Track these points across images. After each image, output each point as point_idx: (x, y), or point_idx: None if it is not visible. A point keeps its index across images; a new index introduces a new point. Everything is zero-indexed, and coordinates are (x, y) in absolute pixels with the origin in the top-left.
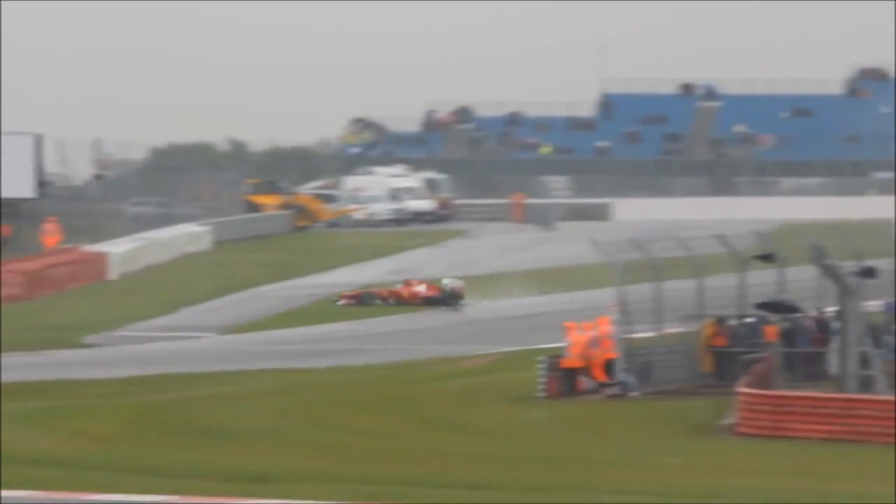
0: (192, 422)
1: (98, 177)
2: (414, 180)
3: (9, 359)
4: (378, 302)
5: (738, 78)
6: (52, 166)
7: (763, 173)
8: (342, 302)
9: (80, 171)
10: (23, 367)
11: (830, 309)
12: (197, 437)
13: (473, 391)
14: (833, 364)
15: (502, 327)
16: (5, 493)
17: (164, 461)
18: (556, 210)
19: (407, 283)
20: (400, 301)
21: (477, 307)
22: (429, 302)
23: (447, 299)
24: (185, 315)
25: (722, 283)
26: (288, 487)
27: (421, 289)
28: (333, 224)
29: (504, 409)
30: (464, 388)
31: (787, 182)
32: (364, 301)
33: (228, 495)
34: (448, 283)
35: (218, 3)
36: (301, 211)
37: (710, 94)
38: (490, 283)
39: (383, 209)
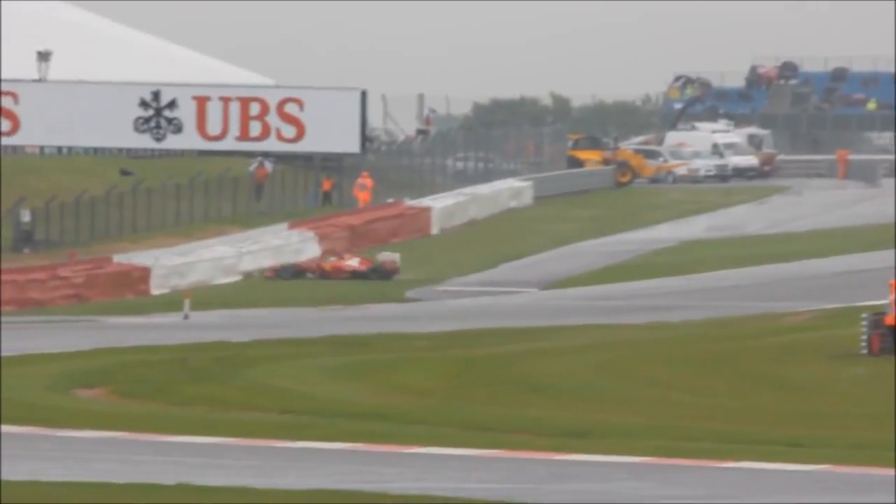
0: (512, 376)
1: (422, 132)
2: (737, 136)
3: (332, 312)
4: (310, 275)
5: None
6: (376, 122)
7: None
8: (268, 274)
9: (404, 126)
10: (345, 320)
11: None
12: (516, 392)
13: (794, 347)
14: None
15: (825, 283)
16: (331, 445)
17: (484, 415)
18: (881, 166)
19: (339, 257)
20: (324, 275)
21: (806, 264)
22: (356, 276)
23: (372, 274)
24: (505, 270)
25: None
26: (607, 443)
27: (353, 262)
28: (655, 180)
29: (825, 365)
30: (784, 344)
31: None
32: (280, 275)
33: (548, 450)
34: (381, 257)
35: None
36: (623, 166)
37: None
38: (812, 239)
39: (706, 165)
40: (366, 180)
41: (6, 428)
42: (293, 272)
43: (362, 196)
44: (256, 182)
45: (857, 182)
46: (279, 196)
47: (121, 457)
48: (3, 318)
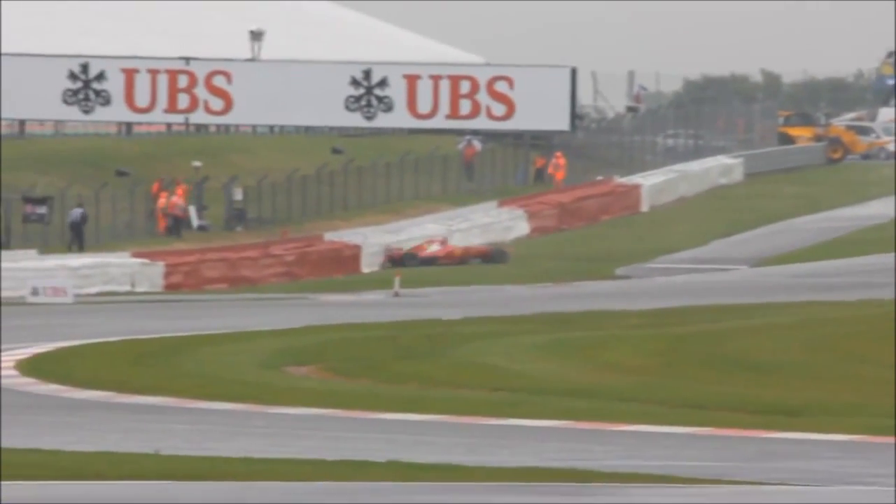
0: (722, 354)
1: (632, 109)
2: None
3: (542, 290)
4: (384, 264)
5: None
6: (586, 99)
7: None
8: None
9: (614, 103)
10: (555, 297)
11: None
12: (726, 369)
13: None
14: None
15: None
16: (541, 422)
17: (694, 393)
18: None
19: (441, 242)
20: (393, 262)
21: None
22: (400, 262)
23: (401, 261)
24: (715, 247)
25: None
26: (819, 420)
27: (434, 248)
28: (867, 156)
29: None
30: None
31: None
32: (403, 262)
33: (759, 428)
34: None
35: None
36: (834, 143)
37: None
38: None
39: None
40: (559, 160)
41: (220, 405)
42: (412, 258)
43: (557, 175)
44: (466, 161)
45: None
46: (489, 174)
47: (331, 434)
48: (216, 296)
